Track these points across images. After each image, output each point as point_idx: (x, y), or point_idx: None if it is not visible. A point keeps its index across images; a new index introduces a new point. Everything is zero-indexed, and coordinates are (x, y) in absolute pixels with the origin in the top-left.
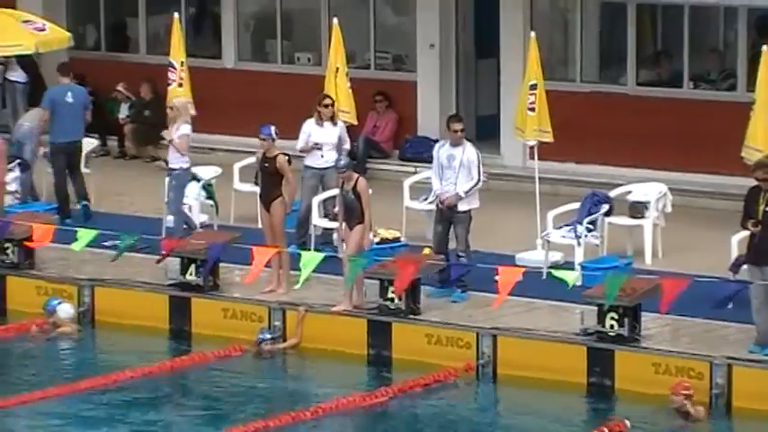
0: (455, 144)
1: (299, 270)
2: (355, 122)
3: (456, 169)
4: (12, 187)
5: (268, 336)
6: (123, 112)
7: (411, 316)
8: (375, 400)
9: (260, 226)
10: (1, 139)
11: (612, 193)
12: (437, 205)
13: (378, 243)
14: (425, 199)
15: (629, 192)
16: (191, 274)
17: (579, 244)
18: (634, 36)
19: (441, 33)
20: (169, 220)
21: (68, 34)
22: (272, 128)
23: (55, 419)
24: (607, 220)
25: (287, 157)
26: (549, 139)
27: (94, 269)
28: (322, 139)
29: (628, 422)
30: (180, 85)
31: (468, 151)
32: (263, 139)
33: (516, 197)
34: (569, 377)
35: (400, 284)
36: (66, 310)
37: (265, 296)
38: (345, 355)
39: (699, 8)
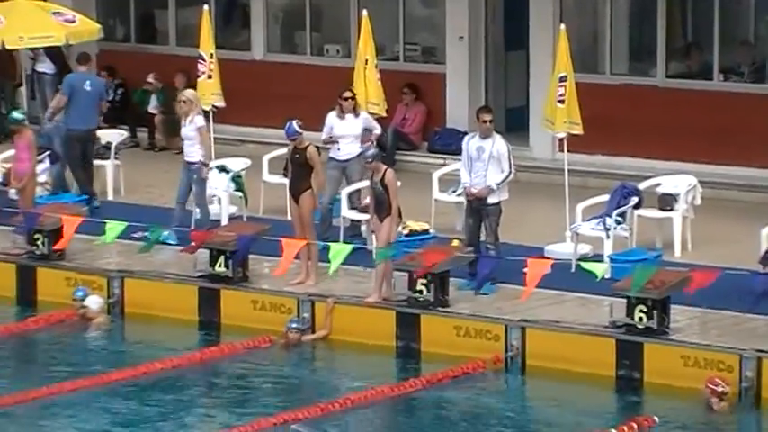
0: (484, 136)
1: (328, 262)
2: (384, 114)
3: (486, 161)
4: (41, 178)
5: (294, 325)
6: (153, 103)
7: (440, 308)
8: (404, 392)
9: (289, 218)
10: (30, 131)
11: (642, 186)
12: (467, 198)
13: (407, 235)
14: (454, 191)
15: (659, 184)
16: (220, 266)
17: (608, 236)
18: (664, 28)
19: (470, 25)
20: (198, 212)
21: (98, 26)
22: (295, 123)
23: (85, 411)
24: (636, 212)
25: (317, 149)
26: (578, 131)
27: (124, 260)
28: (343, 132)
29: (656, 418)
30: (209, 76)
31: (498, 143)
32: (294, 139)
33: (545, 189)
34: (598, 370)
35: (423, 269)
36: (95, 301)
37: (294, 288)
38: (374, 346)
39: (729, 0)
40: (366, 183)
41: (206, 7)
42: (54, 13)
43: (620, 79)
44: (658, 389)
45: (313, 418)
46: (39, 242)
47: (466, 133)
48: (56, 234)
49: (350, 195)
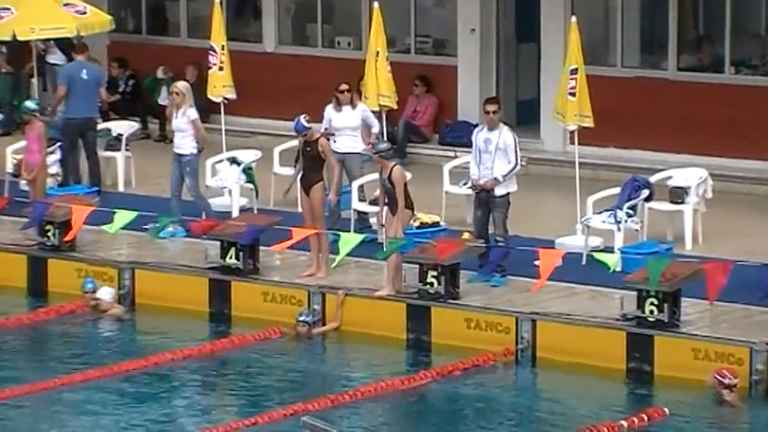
0: (491, 128)
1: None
2: (395, 107)
3: (493, 153)
4: (53, 170)
5: (302, 318)
6: (163, 95)
7: (450, 300)
8: (414, 384)
9: (300, 210)
10: (40, 122)
11: (653, 179)
12: (474, 190)
13: (417, 227)
14: (465, 183)
15: (670, 177)
16: (231, 258)
17: (619, 229)
18: (675, 21)
19: (481, 18)
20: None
21: (109, 17)
22: (302, 118)
23: (95, 402)
24: (647, 205)
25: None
26: (589, 124)
27: (135, 252)
28: (340, 124)
29: (667, 410)
30: (220, 68)
31: (505, 135)
32: (304, 135)
33: (556, 182)
34: (608, 362)
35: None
36: (108, 292)
37: (305, 280)
38: (385, 339)
39: None
40: (369, 177)
41: None
42: (65, 5)
43: (631, 72)
44: (669, 382)
45: (323, 410)
46: (49, 233)
47: (477, 126)
48: (66, 225)
49: (358, 188)
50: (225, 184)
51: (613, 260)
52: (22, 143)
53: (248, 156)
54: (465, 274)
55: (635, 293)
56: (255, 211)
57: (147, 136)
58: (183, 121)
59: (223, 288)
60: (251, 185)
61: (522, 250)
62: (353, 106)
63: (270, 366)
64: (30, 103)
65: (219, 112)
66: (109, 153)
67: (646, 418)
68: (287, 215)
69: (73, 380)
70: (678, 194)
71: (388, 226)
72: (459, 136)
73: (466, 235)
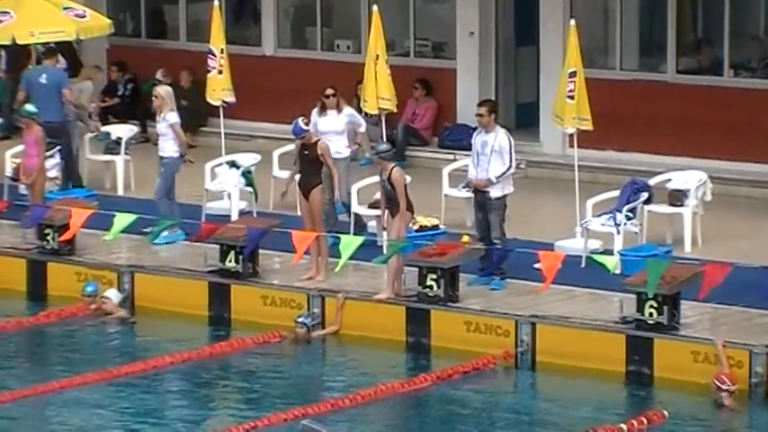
0: (487, 130)
1: (338, 258)
2: (395, 110)
3: (488, 155)
4: (52, 173)
5: (300, 320)
6: None
7: (450, 303)
8: (414, 387)
9: (299, 213)
10: (38, 126)
11: (652, 181)
12: (473, 191)
13: (417, 230)
14: (464, 187)
15: (669, 180)
16: (230, 261)
17: (618, 232)
18: (674, 24)
19: (480, 21)
20: (209, 206)
21: (109, 21)
22: (300, 120)
23: (94, 405)
24: (646, 208)
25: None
26: (587, 127)
27: (134, 255)
28: (325, 128)
29: (666, 412)
30: (220, 72)
31: (501, 137)
32: (302, 138)
33: (555, 185)
34: (608, 365)
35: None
36: (115, 294)
37: (304, 283)
38: (384, 342)
39: None
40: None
41: (216, 2)
42: (65, 8)
43: (630, 75)
44: (668, 384)
45: (323, 414)
46: (49, 237)
47: (476, 129)
48: (66, 229)
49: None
50: (224, 188)
51: (613, 262)
52: (21, 147)
53: (247, 159)
54: (464, 277)
55: (634, 296)
56: (255, 215)
57: (146, 139)
58: (164, 125)
59: (222, 291)
60: (250, 189)
61: (522, 253)
62: (339, 110)
63: (269, 370)
64: (30, 107)
65: (219, 116)
66: (108, 157)
67: (645, 420)
68: (286, 218)
69: (72, 383)
70: (677, 197)
71: (388, 228)
72: (459, 139)
73: (465, 238)
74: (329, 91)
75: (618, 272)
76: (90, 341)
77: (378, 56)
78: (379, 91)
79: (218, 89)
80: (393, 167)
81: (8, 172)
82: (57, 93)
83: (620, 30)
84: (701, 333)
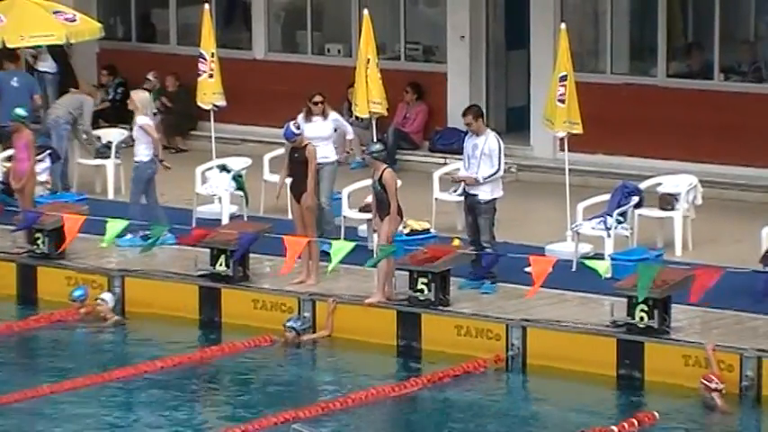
0: (476, 134)
1: (329, 261)
2: (385, 114)
3: (478, 158)
4: (42, 177)
5: (290, 323)
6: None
7: (441, 307)
8: (405, 391)
9: (290, 217)
10: (28, 130)
11: (643, 185)
12: (464, 197)
13: (408, 234)
14: (455, 190)
15: (660, 183)
16: (221, 265)
17: (609, 236)
18: (664, 27)
19: (471, 24)
20: (199, 210)
21: (99, 25)
22: (292, 125)
23: (85, 410)
24: (637, 211)
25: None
26: (578, 130)
27: (125, 259)
28: (311, 134)
29: (657, 414)
30: (210, 75)
31: (490, 140)
32: (293, 141)
33: (546, 189)
34: (599, 369)
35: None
36: (111, 297)
37: (295, 287)
38: (375, 346)
39: None
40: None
41: (207, 6)
42: (55, 12)
43: (620, 78)
44: (659, 388)
45: (314, 418)
46: (39, 241)
47: (467, 133)
48: (56, 233)
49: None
50: (215, 192)
51: (604, 267)
52: (11, 151)
53: (238, 163)
54: (455, 280)
55: (625, 300)
56: (245, 219)
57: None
58: (135, 129)
59: (213, 295)
60: (241, 193)
61: (513, 257)
62: (325, 117)
63: (260, 374)
64: (20, 111)
65: (209, 120)
66: (99, 161)
67: (636, 422)
68: (277, 222)
69: (62, 387)
70: (668, 201)
71: (378, 230)
72: (450, 143)
73: (456, 242)
74: (317, 98)
75: (609, 276)
76: (80, 346)
77: (368, 60)
78: (369, 95)
79: (209, 93)
80: (385, 169)
81: None
82: (28, 96)
83: (610, 33)
84: (691, 337)
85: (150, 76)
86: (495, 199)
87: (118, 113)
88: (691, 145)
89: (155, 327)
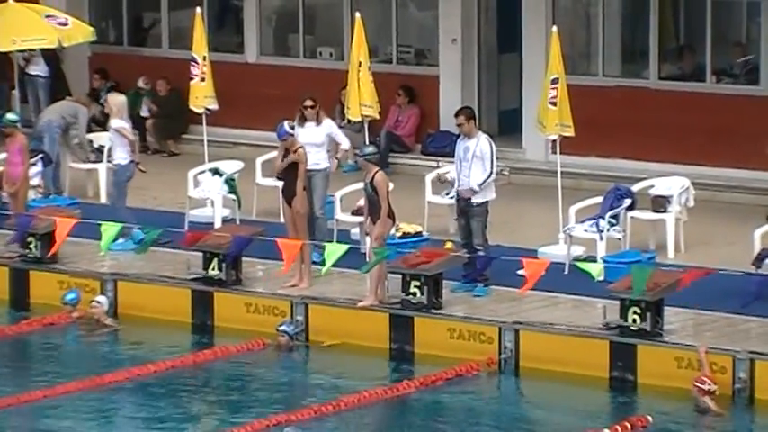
0: (468, 136)
1: (321, 265)
2: (377, 117)
3: (470, 161)
4: (34, 182)
5: (282, 327)
6: (145, 107)
7: (433, 310)
8: (397, 394)
9: (282, 220)
10: (22, 134)
11: (635, 188)
12: (456, 199)
13: (400, 237)
14: (447, 193)
15: (652, 186)
16: (213, 269)
17: (601, 238)
18: (656, 30)
19: (463, 27)
20: (192, 214)
21: (91, 29)
22: (286, 124)
23: (77, 414)
24: (629, 214)
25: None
26: (569, 133)
27: (117, 263)
28: (303, 140)
29: (650, 417)
30: (202, 79)
31: (482, 143)
32: (285, 140)
33: (538, 191)
34: (592, 371)
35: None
36: (105, 301)
37: (288, 290)
38: (368, 349)
39: (721, 2)
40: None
41: (199, 10)
42: (47, 16)
43: (612, 81)
44: (652, 390)
45: (306, 421)
46: (31, 245)
47: (459, 136)
48: (49, 237)
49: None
50: (207, 195)
51: (597, 269)
52: (3, 155)
53: (230, 167)
54: (448, 283)
55: (617, 302)
56: (238, 222)
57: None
58: (111, 132)
59: (206, 299)
60: (233, 196)
61: (505, 260)
62: (319, 122)
63: (253, 377)
64: (11, 116)
65: (201, 123)
66: (91, 165)
67: (629, 426)
68: (269, 226)
69: (55, 391)
70: (660, 203)
71: (370, 234)
72: (442, 146)
73: (449, 245)
74: (308, 102)
75: (601, 278)
76: (73, 349)
77: (360, 63)
78: (361, 98)
79: (201, 96)
80: (377, 171)
81: None
82: None
83: (602, 36)
84: (684, 339)
85: (141, 83)
86: (487, 201)
87: (109, 118)
88: (683, 147)
89: (147, 330)
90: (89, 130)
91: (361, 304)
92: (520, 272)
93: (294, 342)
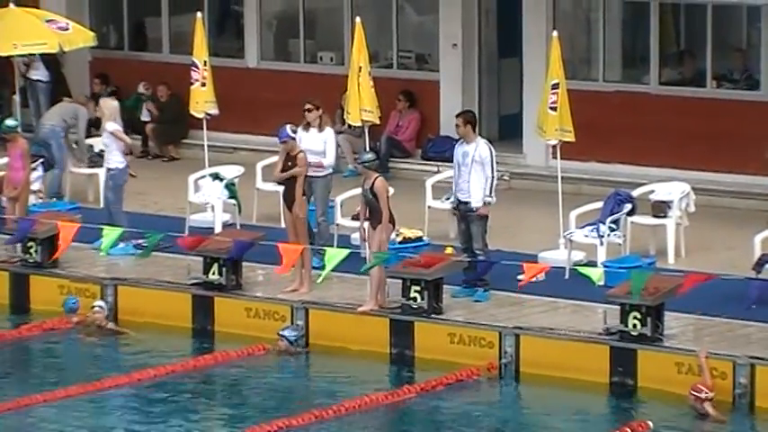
0: (467, 141)
1: (322, 269)
2: (378, 122)
3: (469, 165)
4: (35, 186)
5: (284, 333)
6: (146, 111)
7: (434, 315)
8: (398, 399)
9: (283, 225)
10: (23, 139)
11: (635, 193)
12: (454, 205)
13: (400, 242)
14: (448, 198)
15: (652, 191)
16: (213, 274)
17: (602, 243)
18: (657, 35)
19: (463, 32)
20: (192, 218)
21: (92, 33)
22: (288, 127)
23: (77, 419)
24: (630, 219)
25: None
26: (570, 138)
27: (117, 268)
28: (304, 145)
29: (651, 423)
30: (203, 84)
31: (481, 148)
32: (285, 142)
33: (539, 196)
34: (592, 377)
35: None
36: (105, 305)
37: (288, 295)
38: (368, 354)
39: (721, 7)
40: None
41: (199, 15)
42: (48, 21)
43: (613, 86)
44: (652, 396)
45: (307, 425)
46: (32, 250)
47: (459, 140)
48: (49, 242)
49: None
50: (207, 200)
51: (597, 274)
52: (4, 160)
53: (231, 171)
54: (448, 288)
55: (618, 307)
56: (238, 227)
57: (129, 152)
58: (105, 136)
59: (206, 304)
60: (234, 201)
61: (505, 265)
62: (320, 129)
63: (253, 382)
64: (10, 122)
65: (202, 128)
66: (91, 170)
67: (629, 431)
68: (270, 230)
69: (55, 396)
70: (661, 208)
71: (370, 240)
72: (442, 150)
73: (449, 250)
74: (308, 106)
75: (602, 283)
76: (73, 354)
77: (361, 68)
78: (362, 103)
79: (202, 101)
80: (377, 177)
81: None
82: None
83: (602, 41)
84: (684, 344)
85: (141, 88)
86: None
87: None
88: (683, 152)
89: (147, 335)
90: (88, 135)
91: (361, 309)
92: (521, 277)
93: (294, 348)
